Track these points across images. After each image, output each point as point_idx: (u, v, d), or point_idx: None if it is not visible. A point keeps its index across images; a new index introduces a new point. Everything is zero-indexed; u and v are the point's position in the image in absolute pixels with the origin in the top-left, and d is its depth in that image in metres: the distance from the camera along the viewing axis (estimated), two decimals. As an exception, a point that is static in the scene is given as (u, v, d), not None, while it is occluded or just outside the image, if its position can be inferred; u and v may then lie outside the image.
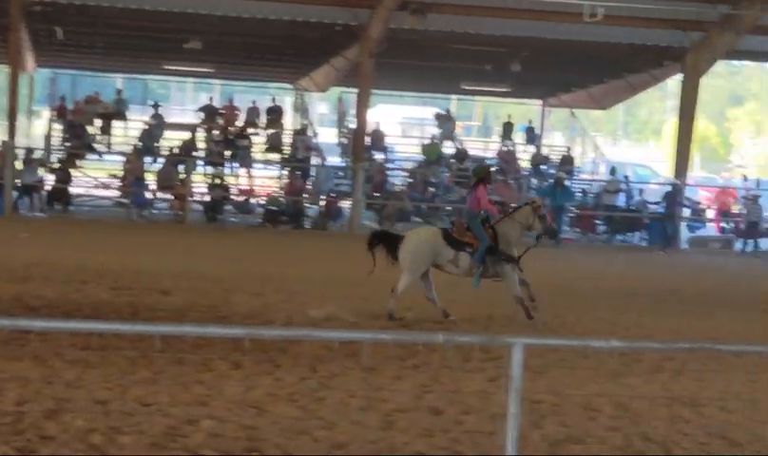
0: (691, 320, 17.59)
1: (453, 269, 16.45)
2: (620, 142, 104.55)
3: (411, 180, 36.50)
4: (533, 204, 17.14)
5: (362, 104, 33.88)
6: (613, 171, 37.26)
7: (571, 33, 33.17)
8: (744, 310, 19.64)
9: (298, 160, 36.31)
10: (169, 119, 40.79)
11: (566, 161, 40.37)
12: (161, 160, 35.94)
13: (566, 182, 35.07)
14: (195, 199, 33.77)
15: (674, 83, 35.68)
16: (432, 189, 35.48)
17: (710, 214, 38.10)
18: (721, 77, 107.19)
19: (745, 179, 39.61)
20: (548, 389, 11.76)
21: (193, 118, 40.84)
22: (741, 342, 14.35)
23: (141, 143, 36.04)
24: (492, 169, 18.08)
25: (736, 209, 36.56)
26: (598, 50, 34.14)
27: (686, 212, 35.37)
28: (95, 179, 35.69)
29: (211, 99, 41.33)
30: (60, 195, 33.53)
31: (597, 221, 34.65)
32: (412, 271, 16.17)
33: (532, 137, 43.71)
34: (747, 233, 33.24)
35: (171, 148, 36.56)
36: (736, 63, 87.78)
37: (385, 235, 17.35)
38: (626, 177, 38.18)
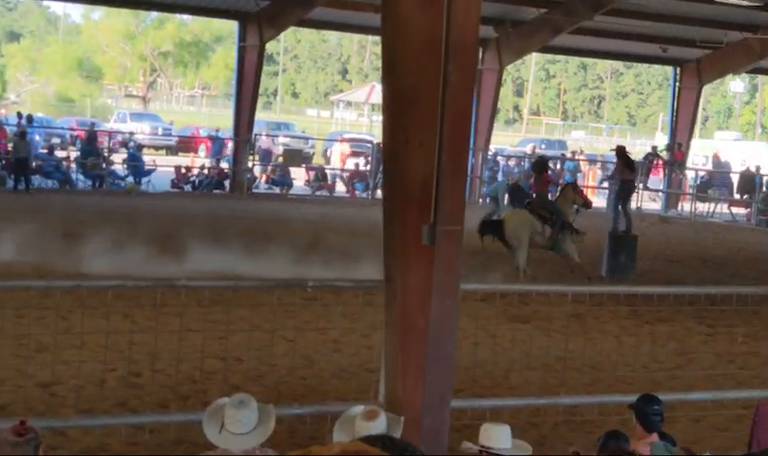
0: None
1: (540, 239, 19.81)
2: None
3: None
4: (573, 184, 23.13)
5: None
6: None
7: None
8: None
9: None
10: None
11: None
12: None
13: None
14: None
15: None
16: None
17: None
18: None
19: (20, 116, 39.40)
20: None
21: None
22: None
23: None
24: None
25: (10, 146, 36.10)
26: None
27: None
28: None
29: None
30: None
31: None
32: (521, 245, 19.58)
33: None
34: (16, 169, 33.14)
35: None
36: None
37: (490, 222, 21.19)
38: None
